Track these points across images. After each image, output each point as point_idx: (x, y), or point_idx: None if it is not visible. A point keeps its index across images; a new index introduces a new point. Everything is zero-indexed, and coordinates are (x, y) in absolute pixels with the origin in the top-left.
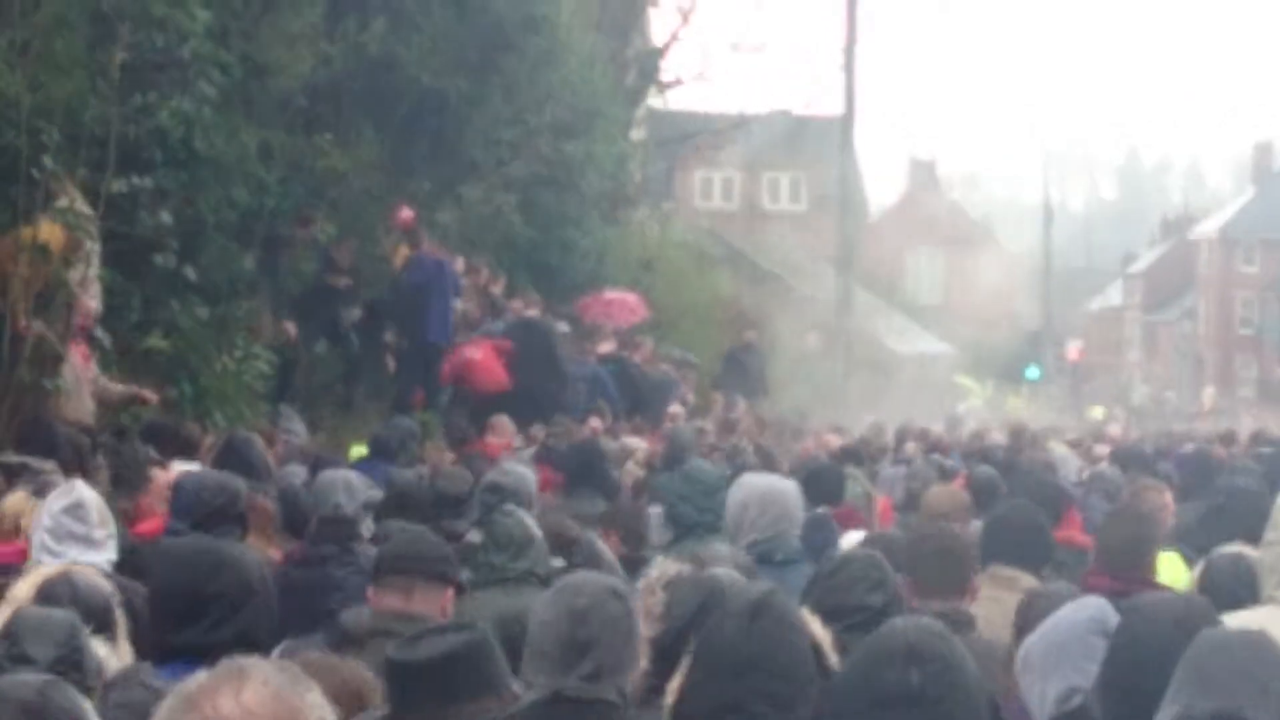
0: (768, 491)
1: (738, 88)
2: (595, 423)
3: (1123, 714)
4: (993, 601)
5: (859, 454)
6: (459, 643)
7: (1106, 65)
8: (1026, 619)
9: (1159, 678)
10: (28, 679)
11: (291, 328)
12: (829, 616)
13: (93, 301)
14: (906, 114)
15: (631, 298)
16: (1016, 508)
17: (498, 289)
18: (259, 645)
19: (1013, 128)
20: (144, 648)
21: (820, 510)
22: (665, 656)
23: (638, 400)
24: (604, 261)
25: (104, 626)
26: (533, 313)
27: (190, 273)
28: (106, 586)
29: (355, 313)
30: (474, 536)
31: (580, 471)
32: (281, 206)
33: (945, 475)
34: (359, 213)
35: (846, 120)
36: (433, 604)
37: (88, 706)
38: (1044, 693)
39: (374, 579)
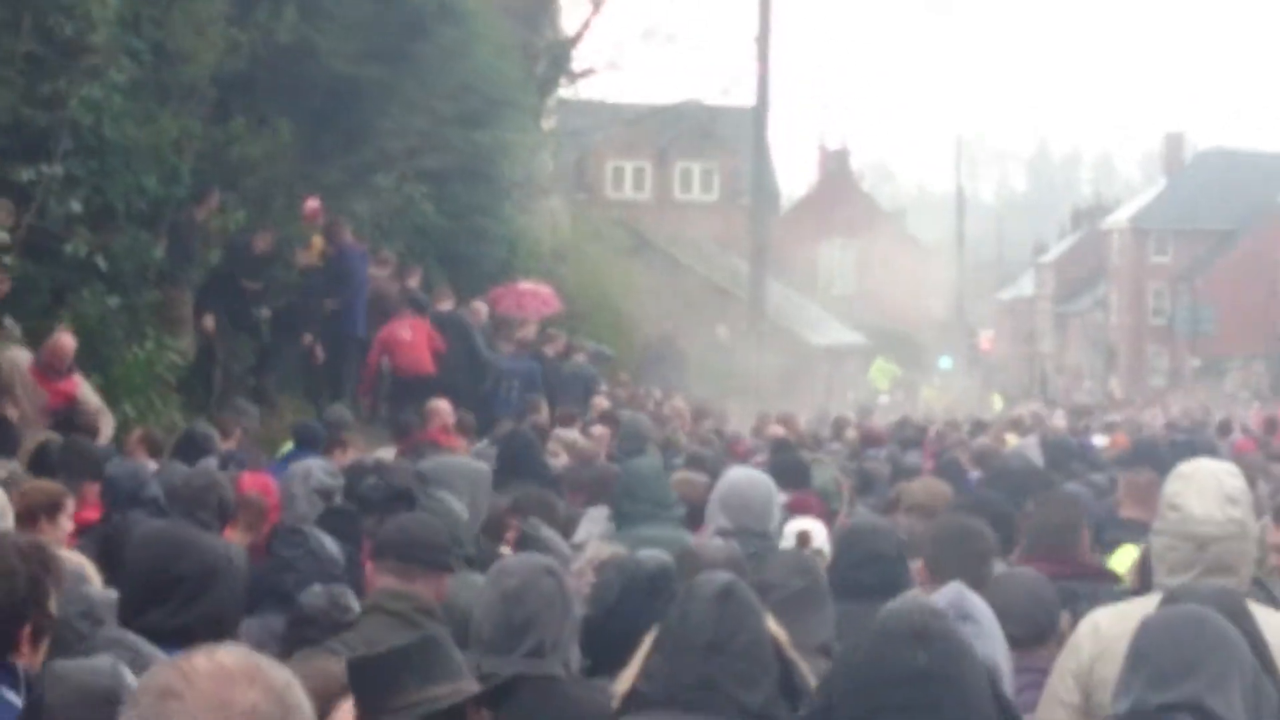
0: (734, 484)
1: (650, 78)
2: (536, 419)
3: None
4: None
5: (803, 445)
6: (412, 637)
7: (1017, 57)
8: None
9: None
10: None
11: (210, 321)
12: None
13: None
14: (818, 104)
15: (544, 289)
16: (983, 499)
17: (414, 282)
18: (225, 629)
19: (924, 118)
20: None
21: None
22: (594, 637)
23: (553, 393)
24: (516, 251)
25: None
26: (446, 305)
27: (100, 261)
28: None
29: (265, 311)
30: None
31: (513, 461)
32: (194, 195)
33: (905, 467)
34: (270, 201)
35: (759, 110)
36: (429, 587)
37: None
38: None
39: (374, 559)
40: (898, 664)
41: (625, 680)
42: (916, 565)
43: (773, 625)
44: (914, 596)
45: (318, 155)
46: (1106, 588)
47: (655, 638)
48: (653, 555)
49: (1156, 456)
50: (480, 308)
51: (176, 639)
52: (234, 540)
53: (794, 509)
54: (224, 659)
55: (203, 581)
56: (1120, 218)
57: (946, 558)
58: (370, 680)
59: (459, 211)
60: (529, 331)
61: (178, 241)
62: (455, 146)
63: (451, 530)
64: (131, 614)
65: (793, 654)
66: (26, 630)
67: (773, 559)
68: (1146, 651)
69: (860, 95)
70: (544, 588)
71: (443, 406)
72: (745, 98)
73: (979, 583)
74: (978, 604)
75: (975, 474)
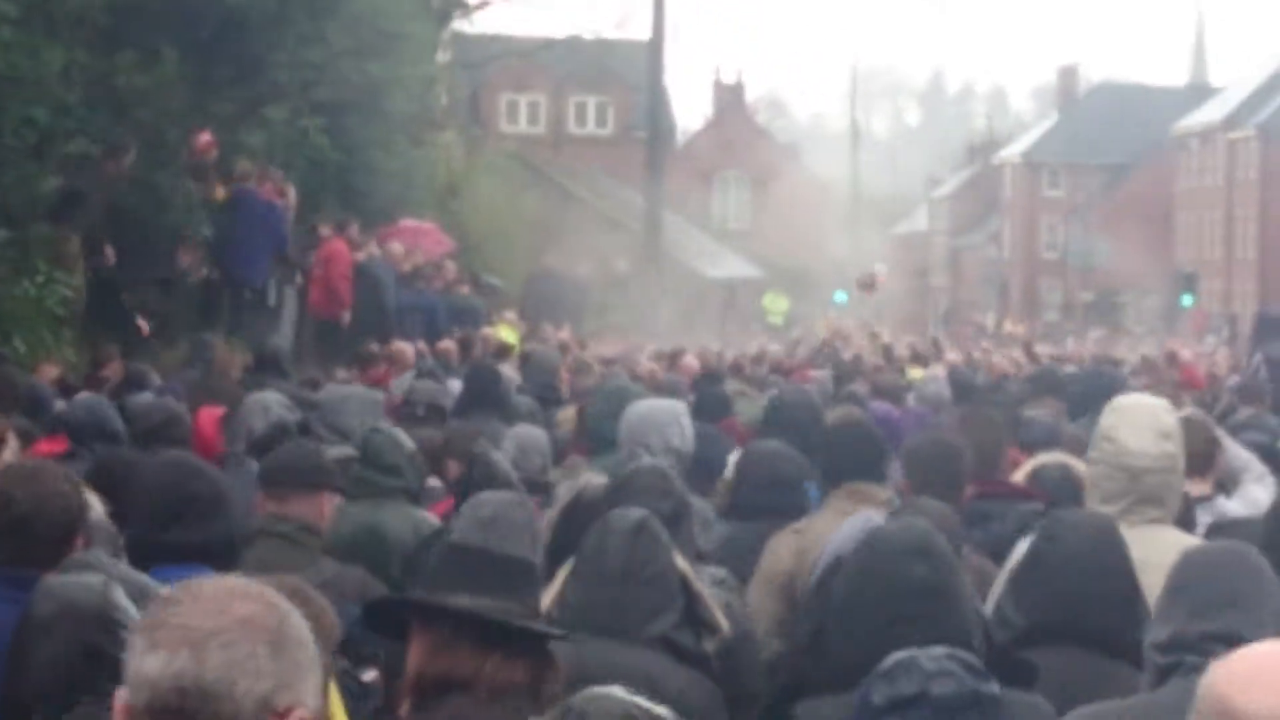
0: (644, 413)
1: (545, 12)
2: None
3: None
4: (843, 513)
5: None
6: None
7: None
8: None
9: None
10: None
11: (111, 253)
12: None
13: None
14: (713, 38)
15: (432, 227)
16: (852, 423)
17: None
18: (236, 548)
19: (818, 52)
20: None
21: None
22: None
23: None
24: (411, 185)
25: None
26: (369, 252)
27: None
28: None
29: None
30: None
31: (478, 394)
32: (84, 128)
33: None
34: (161, 134)
35: (654, 44)
36: (309, 508)
37: None
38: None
39: (260, 488)
40: (898, 579)
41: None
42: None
43: (680, 560)
44: (907, 517)
45: (209, 87)
46: (1017, 508)
47: (571, 567)
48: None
49: (1059, 386)
50: (395, 250)
51: (196, 556)
52: None
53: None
54: (229, 580)
55: (216, 503)
56: (1013, 152)
57: (926, 475)
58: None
59: (353, 145)
60: (417, 261)
61: (77, 189)
62: (349, 79)
63: (389, 460)
64: (154, 533)
65: (699, 587)
66: (79, 543)
67: (638, 480)
68: (1186, 583)
69: (755, 29)
70: (515, 519)
71: (405, 350)
72: (640, 31)
73: (953, 500)
74: None
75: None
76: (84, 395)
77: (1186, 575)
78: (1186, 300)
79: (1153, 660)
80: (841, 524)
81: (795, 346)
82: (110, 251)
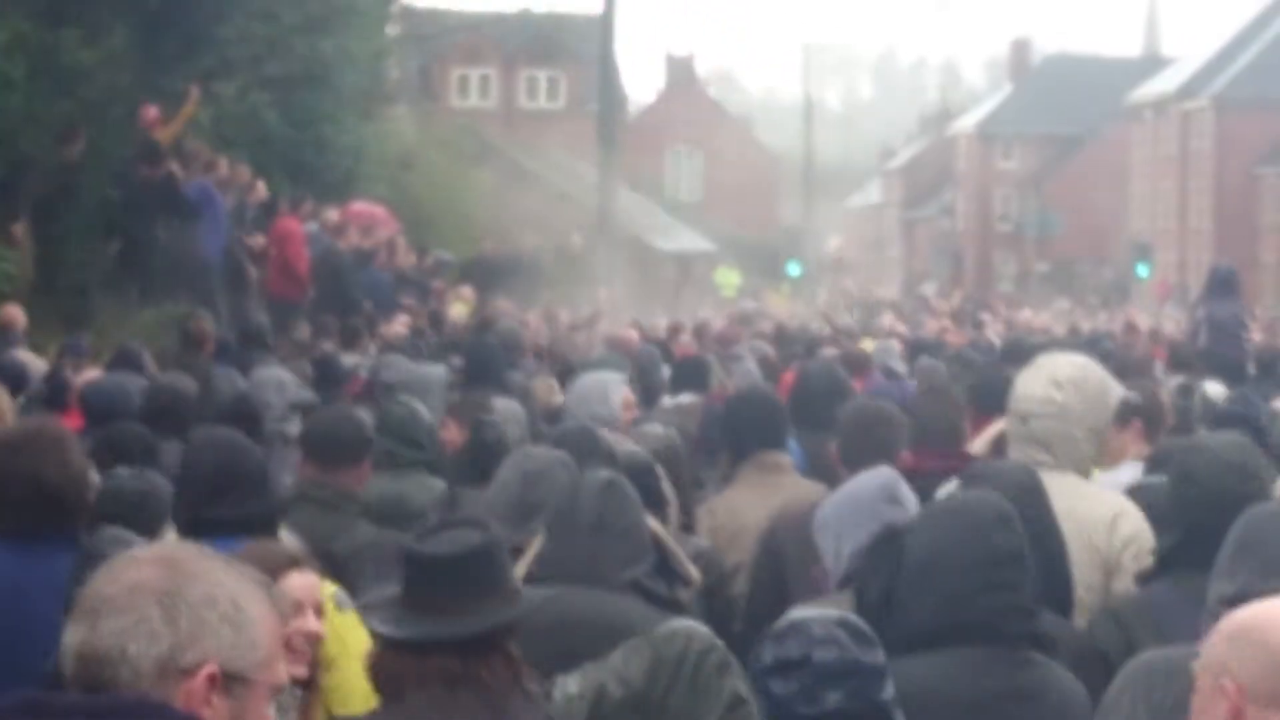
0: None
1: None
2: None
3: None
4: (754, 486)
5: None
6: (472, 542)
7: None
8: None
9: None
10: None
11: (19, 230)
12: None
13: None
14: (665, 11)
15: (379, 209)
16: (751, 394)
17: (260, 193)
18: (274, 522)
19: (770, 25)
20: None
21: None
22: None
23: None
24: (361, 160)
25: None
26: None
27: None
28: None
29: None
30: None
31: (480, 369)
32: (29, 107)
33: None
34: (108, 110)
35: (606, 17)
36: (352, 477)
37: None
38: (839, 550)
39: (304, 453)
40: (993, 546)
41: (521, 566)
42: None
43: (652, 522)
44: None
45: (157, 62)
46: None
47: (547, 526)
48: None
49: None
50: (351, 232)
51: (239, 530)
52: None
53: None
54: (141, 548)
55: (259, 479)
56: (967, 123)
57: (858, 443)
58: (425, 580)
59: (303, 120)
60: (378, 239)
61: (20, 173)
62: (298, 54)
63: (411, 433)
64: (200, 507)
65: (670, 543)
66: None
67: (566, 440)
68: (1253, 541)
69: (706, 1)
70: (559, 478)
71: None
72: (592, 5)
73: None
74: (905, 489)
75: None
76: (107, 376)
77: (1255, 533)
78: (1142, 271)
79: (1219, 615)
80: (758, 493)
81: (738, 318)
82: (20, 229)
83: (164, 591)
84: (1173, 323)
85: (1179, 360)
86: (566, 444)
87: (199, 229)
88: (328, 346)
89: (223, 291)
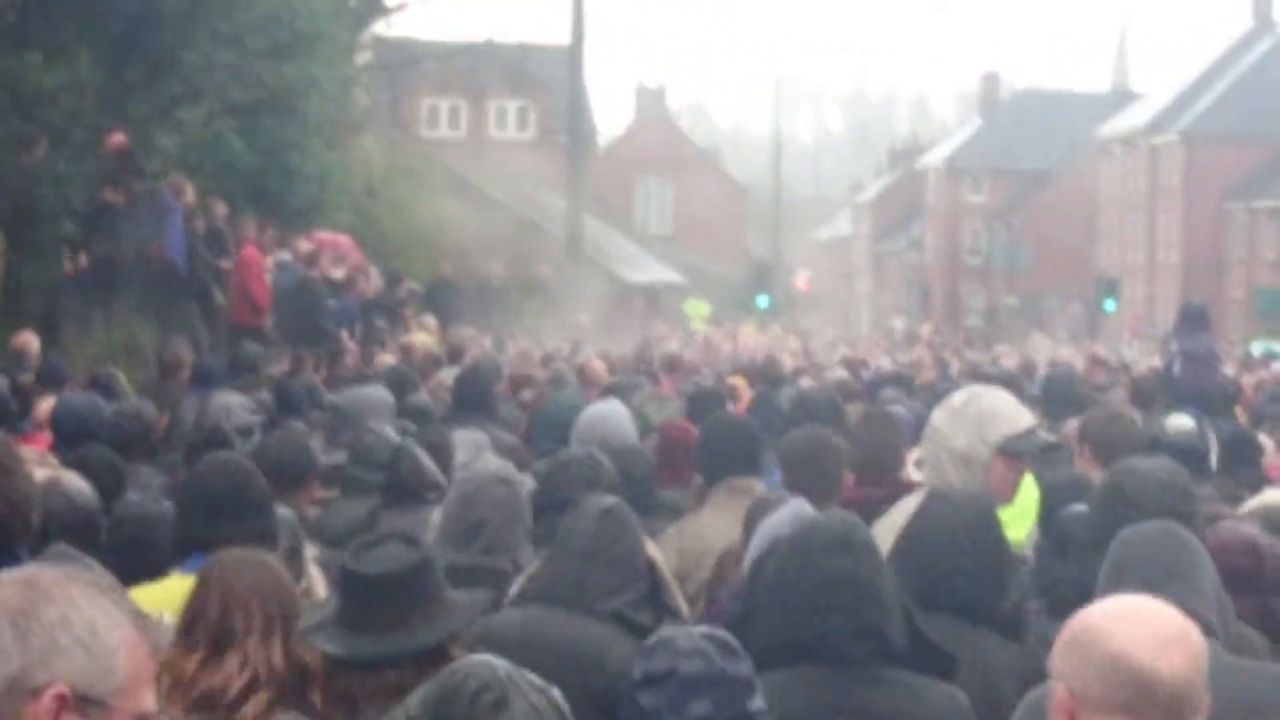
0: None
1: (465, 14)
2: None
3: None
4: (724, 509)
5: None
6: (407, 560)
7: None
8: (752, 522)
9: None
10: None
11: None
12: (557, 510)
13: None
14: (635, 42)
15: (344, 239)
16: (725, 420)
17: (220, 212)
18: (274, 543)
19: (740, 58)
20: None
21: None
22: None
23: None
24: (327, 188)
25: None
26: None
27: None
28: None
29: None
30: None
31: (468, 400)
32: (21, 141)
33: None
34: (70, 134)
35: (574, 46)
36: (297, 500)
37: None
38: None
39: None
40: (825, 569)
41: (517, 584)
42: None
43: (651, 548)
44: (836, 509)
45: (121, 87)
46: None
47: (548, 552)
48: None
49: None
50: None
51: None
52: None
53: None
54: (25, 570)
55: (263, 502)
56: (936, 157)
57: (800, 471)
58: (362, 598)
59: (269, 147)
60: (339, 269)
61: None
62: (264, 81)
63: (382, 460)
64: (203, 529)
65: (665, 574)
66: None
67: (571, 467)
68: (1130, 560)
69: (677, 33)
70: (497, 494)
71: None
72: (561, 35)
73: (829, 496)
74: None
75: None
76: (75, 396)
77: (1130, 551)
78: (1110, 305)
79: None
80: (726, 517)
81: (701, 349)
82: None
83: (18, 611)
84: (1139, 355)
85: (1141, 394)
86: (571, 470)
87: (164, 234)
88: (303, 375)
89: (194, 306)
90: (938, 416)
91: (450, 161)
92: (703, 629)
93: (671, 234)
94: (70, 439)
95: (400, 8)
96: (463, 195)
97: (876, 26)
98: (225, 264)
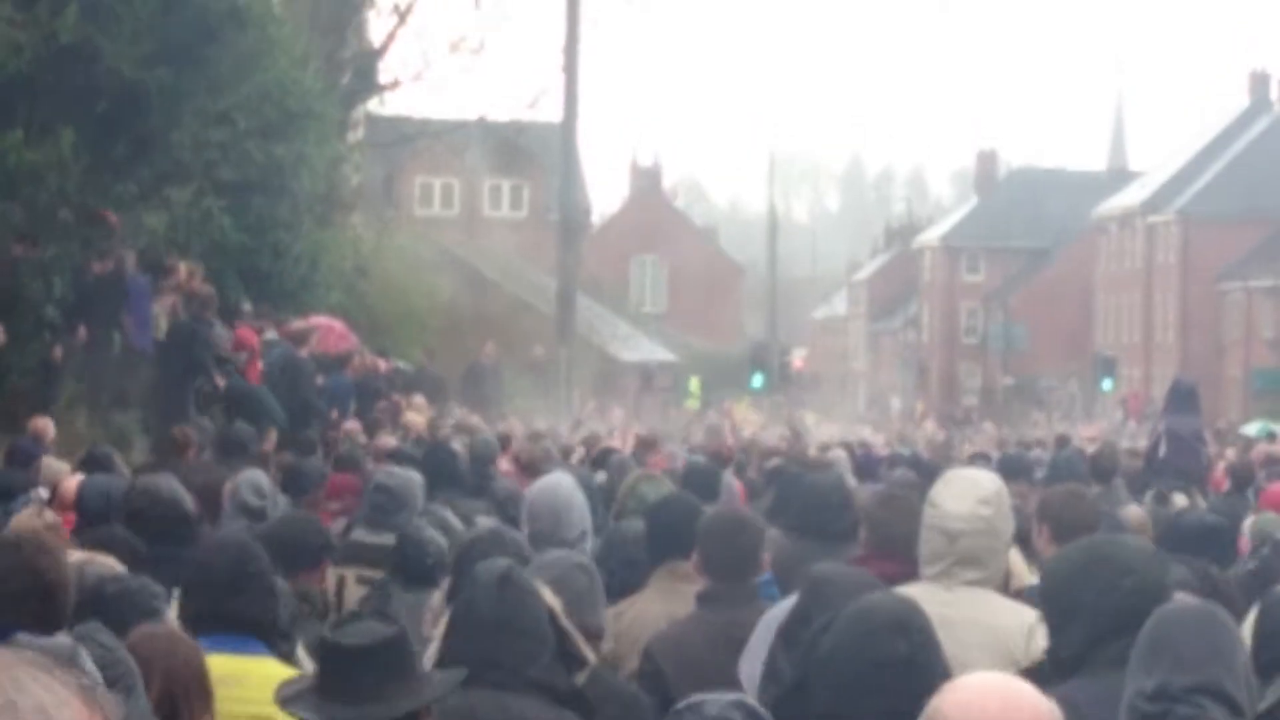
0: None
1: (458, 92)
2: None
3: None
4: (664, 593)
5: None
6: (382, 634)
7: (829, 74)
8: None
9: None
10: None
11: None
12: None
13: None
14: (630, 120)
15: (338, 324)
16: (669, 503)
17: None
18: (280, 623)
19: (736, 136)
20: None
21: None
22: None
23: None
24: (317, 266)
25: None
26: (270, 334)
27: None
28: None
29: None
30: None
31: (436, 475)
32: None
33: None
34: (54, 213)
35: (568, 124)
36: (310, 579)
37: None
38: (751, 674)
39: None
40: (881, 651)
41: (428, 659)
42: None
43: (548, 595)
44: (892, 591)
45: (108, 165)
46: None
47: (448, 621)
48: None
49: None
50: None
51: (249, 628)
52: None
53: None
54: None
55: (269, 579)
56: (932, 236)
57: (717, 553)
58: (339, 670)
59: (258, 226)
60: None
61: None
62: (254, 159)
63: (436, 542)
64: (213, 605)
65: (566, 623)
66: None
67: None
68: (1167, 639)
69: (672, 111)
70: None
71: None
72: (554, 113)
73: (744, 578)
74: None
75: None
76: (98, 477)
77: (1168, 631)
78: (1106, 385)
79: (1139, 708)
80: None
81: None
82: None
83: None
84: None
85: (1098, 469)
86: (480, 547)
87: (131, 322)
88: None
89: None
90: (988, 510)
91: (443, 239)
92: (731, 696)
93: (666, 312)
94: (93, 519)
95: (393, 86)
96: (454, 273)
97: (872, 104)
98: (229, 343)
